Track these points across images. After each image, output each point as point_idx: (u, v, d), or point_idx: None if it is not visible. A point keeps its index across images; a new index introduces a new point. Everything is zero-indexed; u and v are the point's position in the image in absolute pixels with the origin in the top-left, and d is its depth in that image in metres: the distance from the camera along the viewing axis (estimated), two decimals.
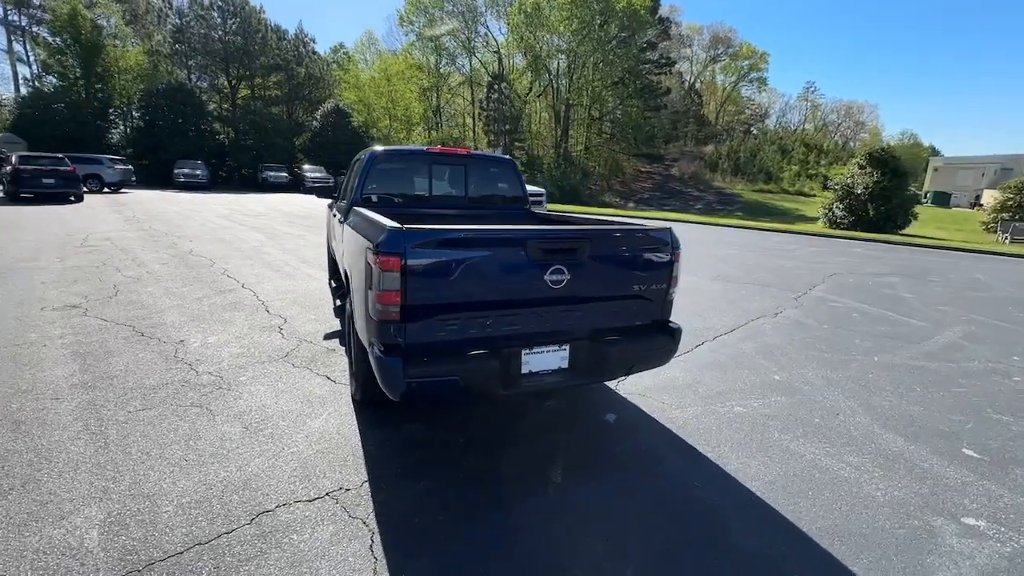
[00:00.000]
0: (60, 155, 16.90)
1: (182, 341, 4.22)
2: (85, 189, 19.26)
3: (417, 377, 2.21)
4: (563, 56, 40.59)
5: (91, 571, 1.84)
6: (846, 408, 3.54)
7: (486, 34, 44.82)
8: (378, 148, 4.08)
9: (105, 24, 35.34)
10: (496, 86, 39.70)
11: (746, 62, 61.85)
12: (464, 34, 42.94)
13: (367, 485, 2.43)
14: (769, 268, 9.62)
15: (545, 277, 2.39)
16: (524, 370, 2.52)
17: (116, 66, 33.69)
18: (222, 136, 36.54)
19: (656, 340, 2.79)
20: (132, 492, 2.28)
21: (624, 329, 2.73)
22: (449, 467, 2.62)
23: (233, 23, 37.05)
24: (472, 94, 47.43)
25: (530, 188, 17.13)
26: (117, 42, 35.35)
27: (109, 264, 7.09)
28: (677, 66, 57.89)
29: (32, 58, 37.24)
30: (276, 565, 1.91)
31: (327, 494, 2.34)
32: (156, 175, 30.49)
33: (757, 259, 10.80)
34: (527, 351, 2.50)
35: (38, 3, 37.73)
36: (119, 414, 2.97)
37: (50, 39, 32.71)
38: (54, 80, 32.41)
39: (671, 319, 2.91)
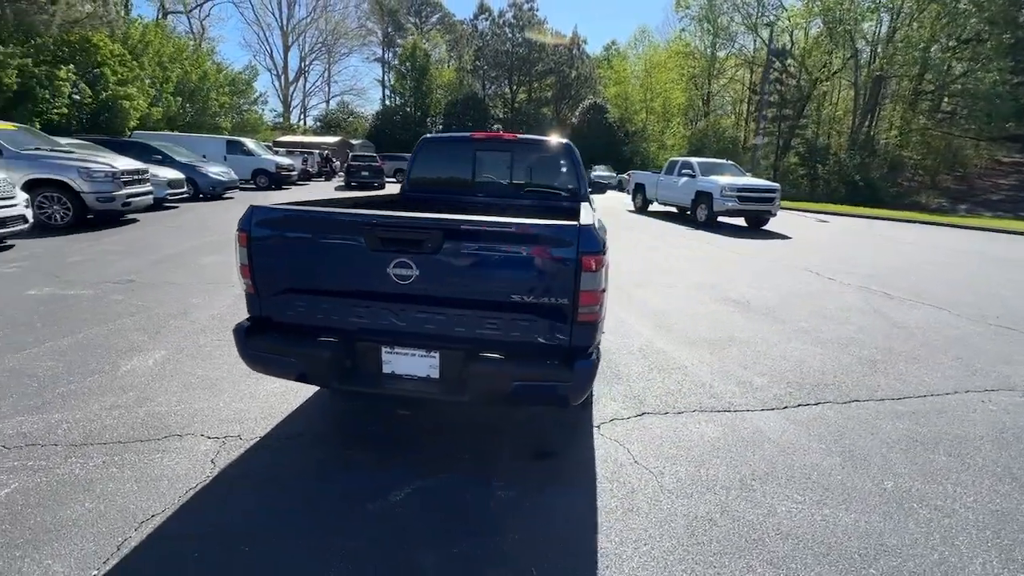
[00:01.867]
0: (374, 154, 23.06)
1: None
2: (392, 180, 25.65)
3: (258, 350, 2.31)
4: (884, 14, 31.82)
5: (64, 432, 2.62)
6: (959, 557, 1.94)
7: (778, 6, 38.77)
8: (429, 135, 4.22)
9: (433, 52, 45.54)
10: (780, 63, 34.13)
11: None
12: (750, 7, 38.17)
13: (258, 440, 2.67)
14: None
15: (388, 270, 2.12)
16: (386, 370, 2.31)
17: (435, 83, 43.12)
18: None
19: (550, 371, 2.12)
20: (143, 395, 3.10)
21: (516, 348, 2.18)
22: (344, 449, 2.64)
23: (519, 35, 42.43)
24: (751, 77, 42.11)
25: (755, 182, 14.18)
26: (439, 64, 45.14)
27: None
28: None
29: (387, 83, 51.17)
30: (129, 475, 2.33)
31: (224, 436, 2.69)
32: None
33: None
34: (388, 350, 2.29)
35: (399, 42, 51.30)
36: (209, 341, 4.01)
37: (399, 67, 44.20)
38: (397, 99, 43.77)
39: (594, 346, 2.16)
